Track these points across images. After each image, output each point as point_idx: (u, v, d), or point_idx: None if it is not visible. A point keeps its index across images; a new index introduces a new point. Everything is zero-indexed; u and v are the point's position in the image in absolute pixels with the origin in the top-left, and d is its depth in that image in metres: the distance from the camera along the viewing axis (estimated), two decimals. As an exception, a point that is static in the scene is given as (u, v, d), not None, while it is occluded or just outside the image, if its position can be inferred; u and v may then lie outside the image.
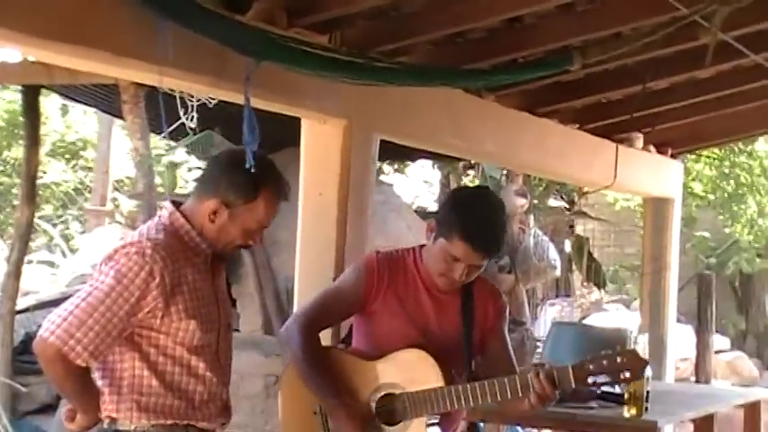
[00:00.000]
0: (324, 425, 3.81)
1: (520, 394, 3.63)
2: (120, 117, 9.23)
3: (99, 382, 3.31)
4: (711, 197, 13.84)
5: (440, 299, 3.85)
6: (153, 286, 3.18)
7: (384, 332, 3.83)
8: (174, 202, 3.44)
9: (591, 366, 3.57)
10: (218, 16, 4.01)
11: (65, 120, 17.44)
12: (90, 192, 16.62)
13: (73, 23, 3.50)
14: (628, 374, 3.57)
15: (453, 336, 3.82)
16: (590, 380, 3.59)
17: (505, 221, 3.91)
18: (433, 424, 3.78)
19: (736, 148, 12.91)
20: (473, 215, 3.71)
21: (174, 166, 11.87)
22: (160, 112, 4.38)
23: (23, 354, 8.64)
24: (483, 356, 3.90)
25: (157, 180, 10.28)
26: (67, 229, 16.15)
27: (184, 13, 3.77)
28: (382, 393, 3.76)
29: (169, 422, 3.31)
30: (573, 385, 3.59)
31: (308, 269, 4.81)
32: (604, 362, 3.56)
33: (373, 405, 3.76)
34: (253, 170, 3.31)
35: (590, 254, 12.21)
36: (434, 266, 3.77)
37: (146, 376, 3.29)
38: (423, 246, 3.86)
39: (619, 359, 3.56)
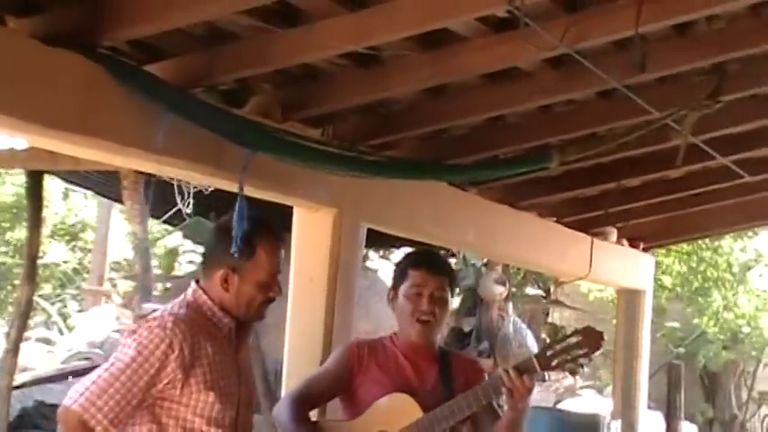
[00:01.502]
0: None
1: (493, 395, 3.67)
2: (120, 201, 9.26)
3: None
4: (680, 290, 13.86)
5: (419, 366, 3.87)
6: (172, 358, 3.17)
7: (369, 399, 3.81)
8: (197, 281, 3.42)
9: (551, 351, 3.64)
10: (217, 109, 4.05)
11: (66, 203, 17.47)
12: (88, 272, 16.58)
13: (79, 114, 3.52)
14: (586, 350, 3.61)
15: (435, 398, 3.78)
16: (553, 363, 3.63)
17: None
18: None
19: (703, 245, 12.96)
20: (417, 252, 4.26)
21: (172, 252, 11.86)
22: (158, 198, 4.38)
23: (19, 429, 8.56)
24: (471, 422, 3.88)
25: (154, 262, 10.24)
26: (65, 307, 16.07)
27: (185, 106, 3.80)
28: None
29: None
30: (539, 370, 3.62)
31: (297, 351, 4.79)
32: (563, 344, 3.63)
33: None
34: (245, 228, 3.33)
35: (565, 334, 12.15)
36: (405, 317, 3.84)
37: None
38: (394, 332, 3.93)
39: (575, 339, 3.62)
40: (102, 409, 3.11)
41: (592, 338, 3.62)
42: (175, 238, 13.52)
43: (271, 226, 3.45)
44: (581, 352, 3.62)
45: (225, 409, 3.32)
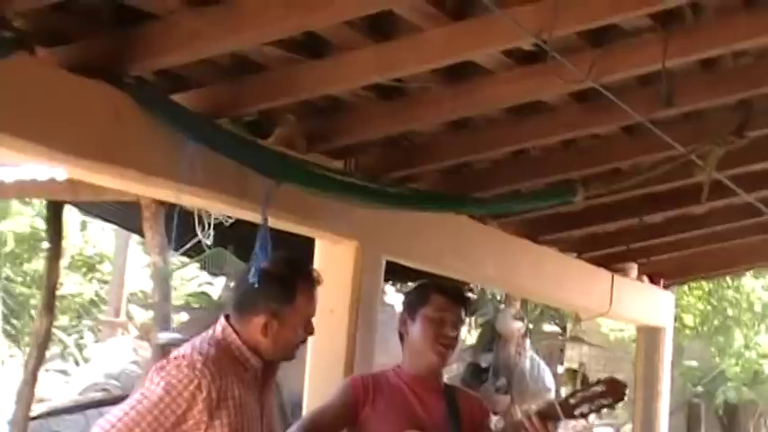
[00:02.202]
0: None
1: None
2: (138, 233, 9.27)
3: None
4: (700, 328, 13.81)
5: (425, 399, 3.84)
6: (200, 399, 3.15)
7: None
8: (226, 317, 3.39)
9: (574, 399, 3.62)
10: (242, 139, 4.05)
11: (83, 234, 17.52)
12: (105, 304, 16.60)
13: (105, 143, 3.52)
14: (609, 400, 3.59)
15: (444, 429, 3.77)
16: (576, 411, 3.61)
17: None
18: None
19: (724, 283, 12.92)
20: (434, 281, 4.12)
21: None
22: (178, 229, 4.38)
23: (36, 459, 8.56)
24: None
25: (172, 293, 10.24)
26: (82, 338, 16.09)
27: (210, 136, 3.81)
28: None
29: None
30: (562, 418, 3.61)
31: (317, 383, 4.76)
32: (586, 393, 3.61)
33: None
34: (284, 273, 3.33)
35: (584, 378, 12.12)
36: (426, 341, 3.81)
37: None
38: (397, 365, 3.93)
39: (599, 388, 3.60)
40: None
41: (615, 388, 3.61)
42: (191, 270, 13.57)
43: (309, 269, 3.44)
44: (604, 402, 3.60)
45: None
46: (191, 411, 3.15)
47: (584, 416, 3.68)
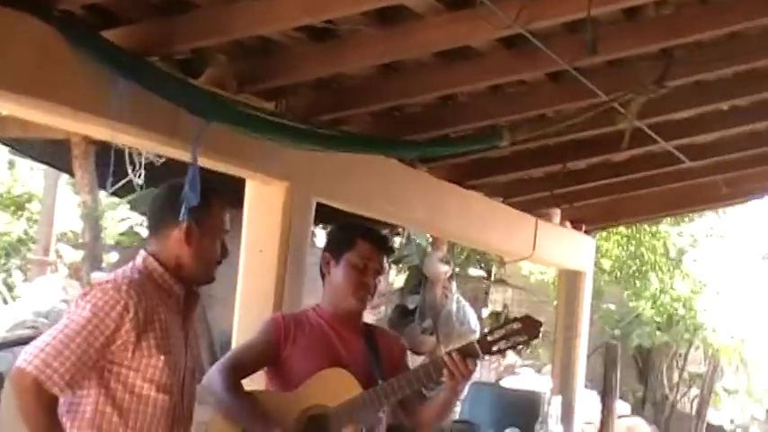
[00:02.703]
0: None
1: (435, 377, 3.69)
2: (68, 172, 9.14)
3: (62, 418, 3.23)
4: (618, 273, 13.99)
5: (345, 337, 3.89)
6: (127, 320, 3.13)
7: (299, 371, 3.81)
8: (145, 250, 3.37)
9: (492, 336, 3.69)
10: (173, 78, 4.00)
11: (12, 173, 17.21)
12: (34, 243, 16.35)
13: (32, 76, 3.45)
14: (525, 337, 3.67)
15: (363, 366, 3.81)
16: (494, 348, 3.67)
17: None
18: None
19: (642, 229, 13.09)
20: (361, 225, 4.10)
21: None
22: (108, 168, 4.33)
23: (-37, 396, 8.44)
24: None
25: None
26: (10, 277, 15.83)
27: (141, 74, 3.75)
28: (309, 415, 3.72)
29: None
30: (480, 355, 3.67)
31: (247, 322, 4.74)
32: (503, 330, 3.68)
33: (302, 425, 3.70)
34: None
35: (507, 317, 12.25)
36: (346, 285, 3.86)
37: (107, 412, 3.20)
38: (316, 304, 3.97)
39: (515, 326, 3.67)
40: (59, 370, 3.05)
41: (531, 327, 3.67)
42: (121, 211, 13.43)
43: (216, 188, 3.46)
44: (520, 339, 3.68)
45: (173, 374, 3.30)
46: (118, 332, 3.13)
47: (501, 352, 3.74)
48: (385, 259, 3.93)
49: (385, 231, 11.93)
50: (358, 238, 3.86)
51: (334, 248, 3.92)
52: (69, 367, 3.07)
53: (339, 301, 3.90)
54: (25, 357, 3.08)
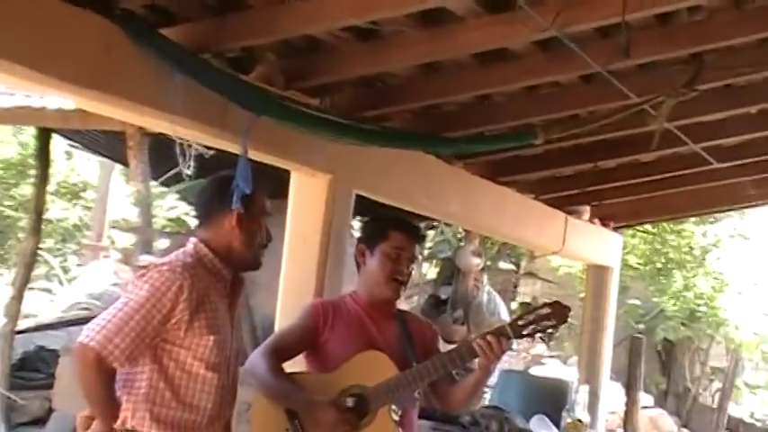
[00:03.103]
0: None
1: (467, 359, 3.70)
2: (122, 163, 9.22)
3: (118, 393, 3.28)
4: (643, 269, 13.93)
5: (380, 323, 3.90)
6: (182, 300, 3.19)
7: (337, 354, 3.82)
8: (196, 236, 3.44)
9: (523, 320, 3.69)
10: (226, 74, 4.03)
11: (69, 163, 17.38)
12: (88, 229, 16.54)
13: (96, 72, 3.50)
14: (554, 321, 3.66)
15: (398, 350, 3.82)
16: (524, 332, 3.68)
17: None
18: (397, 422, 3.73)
19: (668, 227, 13.03)
20: (393, 216, 4.11)
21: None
22: (159, 159, 4.37)
23: (20, 370, 8.56)
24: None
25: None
26: (65, 261, 16.01)
27: (196, 69, 3.79)
28: (347, 394, 3.73)
29: None
30: (511, 337, 3.67)
31: (289, 307, 4.77)
32: (533, 315, 3.68)
33: (341, 404, 3.71)
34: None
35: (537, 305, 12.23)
36: (382, 275, 3.87)
37: (161, 388, 3.25)
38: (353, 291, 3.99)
39: (544, 311, 3.67)
40: (119, 345, 3.12)
41: (560, 312, 3.67)
42: (169, 200, 13.53)
43: (257, 176, 3.53)
44: (549, 323, 3.67)
45: (221, 354, 3.35)
46: (174, 311, 3.19)
47: (531, 335, 3.73)
48: (417, 248, 3.94)
49: (421, 224, 11.99)
50: (391, 230, 3.88)
51: (369, 240, 3.93)
52: (129, 343, 3.13)
53: (374, 289, 3.91)
54: (88, 333, 3.13)
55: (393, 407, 3.73)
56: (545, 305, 3.72)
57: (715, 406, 13.51)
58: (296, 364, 4.02)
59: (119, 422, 3.26)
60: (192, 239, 3.43)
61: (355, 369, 3.77)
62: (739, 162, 6.54)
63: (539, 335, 3.79)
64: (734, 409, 14.40)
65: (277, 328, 4.82)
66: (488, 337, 3.63)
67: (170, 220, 13.39)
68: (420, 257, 4.07)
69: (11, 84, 3.69)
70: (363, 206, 5.60)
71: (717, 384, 14.31)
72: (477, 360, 3.71)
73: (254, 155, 3.99)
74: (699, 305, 13.51)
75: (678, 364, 15.04)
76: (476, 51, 4.52)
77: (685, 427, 13.89)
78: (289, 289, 4.89)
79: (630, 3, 3.83)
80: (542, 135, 4.87)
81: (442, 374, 3.74)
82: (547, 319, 3.66)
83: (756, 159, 6.62)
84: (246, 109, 3.96)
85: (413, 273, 3.97)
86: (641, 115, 4.95)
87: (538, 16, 3.83)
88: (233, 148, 4.06)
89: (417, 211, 6.29)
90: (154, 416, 3.24)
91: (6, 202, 16.64)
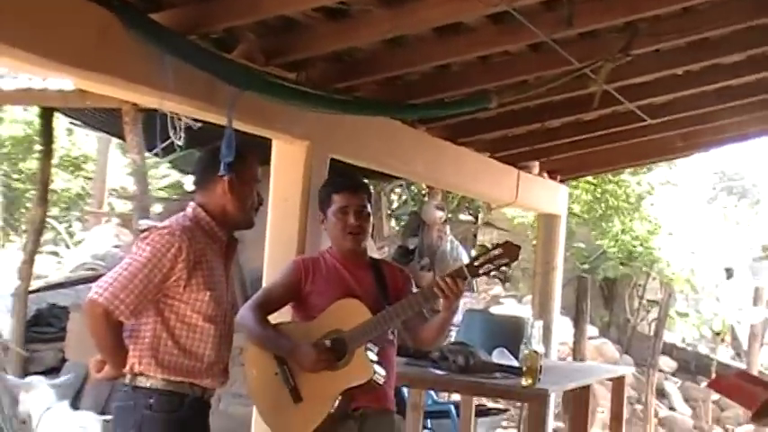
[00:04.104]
0: (286, 379, 3.78)
1: (430, 302, 3.72)
2: (119, 137, 9.12)
3: (126, 341, 3.28)
4: (586, 216, 14.00)
5: (356, 273, 3.92)
6: (180, 260, 3.21)
7: (319, 303, 3.84)
8: (195, 201, 3.45)
9: (478, 261, 3.67)
10: (211, 53, 3.98)
11: (70, 139, 17.19)
12: (90, 197, 16.41)
13: (93, 54, 3.45)
14: (507, 260, 3.64)
15: (372, 295, 3.85)
16: (480, 271, 3.67)
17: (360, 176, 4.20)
18: (375, 362, 3.75)
19: (607, 178, 13.07)
20: (335, 177, 4.20)
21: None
22: (153, 132, 4.34)
23: (35, 325, 8.54)
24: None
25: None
26: (71, 227, 15.91)
27: (184, 50, 3.74)
28: (328, 338, 3.76)
29: (179, 379, 3.29)
30: (468, 277, 3.67)
31: (275, 261, 4.76)
32: (488, 255, 3.66)
33: (322, 347, 3.74)
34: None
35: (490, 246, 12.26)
36: (338, 232, 3.90)
37: (164, 337, 3.27)
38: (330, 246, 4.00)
39: (497, 251, 3.65)
40: (125, 301, 3.14)
41: (511, 251, 3.66)
42: (162, 169, 13.43)
43: (249, 146, 3.56)
44: (502, 261, 3.65)
45: (217, 307, 3.35)
46: (173, 270, 3.20)
47: (487, 273, 3.74)
48: (363, 196, 3.92)
49: (390, 183, 11.99)
50: (333, 194, 3.91)
51: (321, 207, 3.98)
52: (133, 299, 3.14)
53: (339, 245, 3.94)
54: (96, 290, 3.15)
55: (369, 346, 3.75)
56: (497, 246, 3.69)
57: (651, 334, 13.64)
58: (283, 316, 4.04)
59: (127, 367, 3.28)
60: (192, 204, 3.43)
61: (333, 315, 3.79)
62: (669, 118, 6.55)
63: (493, 273, 3.79)
64: (668, 336, 14.57)
65: (264, 281, 4.82)
66: (447, 279, 3.64)
67: (164, 187, 13.30)
68: (369, 202, 3.97)
69: (16, 67, 3.64)
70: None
71: (653, 315, 14.45)
72: (441, 301, 3.72)
73: (238, 125, 3.97)
74: (636, 246, 13.60)
75: (619, 298, 15.18)
76: (435, 26, 4.48)
77: (626, 353, 14.06)
78: (274, 245, 4.87)
79: (572, -23, 3.81)
80: (496, 99, 4.88)
81: (411, 315, 3.75)
82: (500, 258, 3.64)
83: (683, 115, 6.64)
84: (231, 84, 3.93)
85: (369, 217, 3.95)
86: (583, 79, 4.95)
87: (490, -8, 3.80)
88: (219, 120, 4.02)
89: (386, 170, 6.29)
90: (158, 362, 3.26)
91: (15, 176, 16.46)
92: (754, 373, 12.36)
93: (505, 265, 3.69)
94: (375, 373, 3.72)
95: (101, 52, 3.46)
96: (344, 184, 3.95)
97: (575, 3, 4.14)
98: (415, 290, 4.03)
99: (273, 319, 3.93)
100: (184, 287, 3.24)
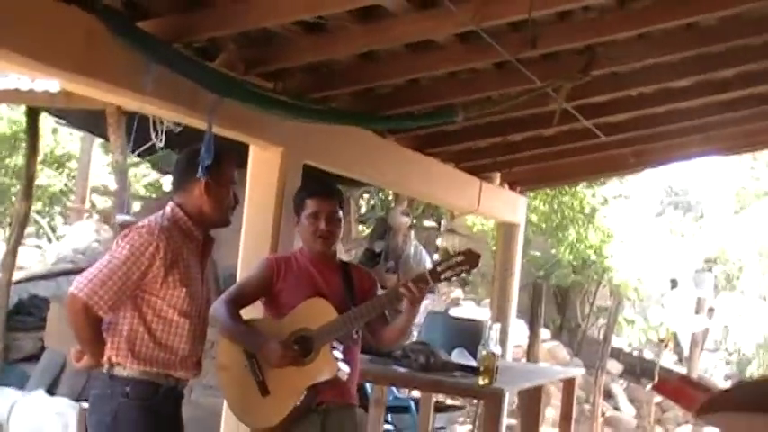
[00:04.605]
0: (255, 372, 3.77)
1: (393, 304, 3.72)
2: (103, 137, 9.05)
3: (104, 334, 3.26)
4: (543, 226, 14.05)
5: (325, 274, 3.91)
6: (158, 258, 3.19)
7: (289, 301, 3.83)
8: (173, 201, 3.42)
9: (440, 267, 3.67)
10: (194, 61, 3.96)
11: (55, 137, 17.01)
12: (72, 193, 16.23)
13: (80, 58, 3.42)
14: (467, 267, 3.65)
15: (339, 296, 3.83)
16: (442, 276, 3.67)
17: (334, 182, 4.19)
18: (339, 360, 3.74)
19: (563, 190, 13.14)
20: (309, 183, 4.19)
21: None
22: (135, 134, 4.30)
23: (16, 314, 8.46)
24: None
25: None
26: (53, 221, 15.74)
27: (168, 58, 3.72)
28: (296, 336, 3.75)
29: (154, 370, 3.28)
30: (431, 282, 3.65)
31: (249, 259, 4.73)
32: (450, 261, 3.66)
33: (290, 344, 3.73)
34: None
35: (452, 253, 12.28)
36: (309, 235, 3.88)
37: (140, 331, 3.25)
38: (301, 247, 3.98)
39: (459, 258, 3.65)
40: (103, 297, 3.13)
41: (471, 258, 3.67)
42: (141, 169, 13.31)
43: (226, 150, 3.53)
44: (463, 268, 3.67)
45: (192, 302, 3.33)
46: (150, 268, 3.19)
47: (448, 279, 3.75)
48: (334, 203, 3.90)
49: (360, 189, 11.99)
50: (306, 199, 3.90)
51: (295, 210, 3.96)
52: (112, 295, 3.13)
53: (310, 247, 3.92)
54: (77, 285, 3.13)
55: (335, 344, 3.75)
56: (459, 253, 3.70)
57: (600, 338, 13.73)
58: (255, 311, 4.02)
59: (105, 358, 3.26)
60: (170, 204, 3.41)
61: (302, 314, 3.78)
62: (622, 136, 6.61)
63: (454, 278, 3.80)
64: (615, 341, 14.68)
65: (238, 278, 4.80)
66: (410, 284, 3.64)
67: (144, 186, 13.20)
68: (340, 208, 3.96)
69: (5, 68, 3.59)
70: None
71: (602, 321, 14.55)
72: (404, 303, 3.72)
73: (217, 130, 3.95)
74: (589, 255, 13.67)
75: (571, 304, 15.25)
76: (406, 42, 4.49)
77: (576, 356, 14.12)
78: (248, 245, 4.85)
79: (536, 2, 3.83)
80: (462, 113, 4.89)
81: (374, 316, 3.75)
82: (461, 265, 3.65)
83: (635, 134, 6.71)
84: (212, 92, 3.91)
85: (340, 222, 3.94)
86: (544, 97, 4.98)
87: (459, 13, 3.82)
88: (200, 125, 3.99)
89: (356, 177, 6.28)
90: (135, 353, 3.25)
91: (1, 171, 16.26)
92: (695, 377, 12.48)
93: (466, 271, 3.70)
94: (339, 369, 3.72)
95: (87, 57, 3.42)
96: (317, 190, 3.94)
97: (538, 26, 4.16)
98: (380, 292, 4.03)
99: (246, 313, 3.92)
100: (161, 284, 3.23)
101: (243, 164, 4.83)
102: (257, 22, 4.03)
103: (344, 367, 3.74)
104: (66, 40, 3.34)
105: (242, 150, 4.85)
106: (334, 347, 3.74)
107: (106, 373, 3.27)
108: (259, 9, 3.87)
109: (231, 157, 3.50)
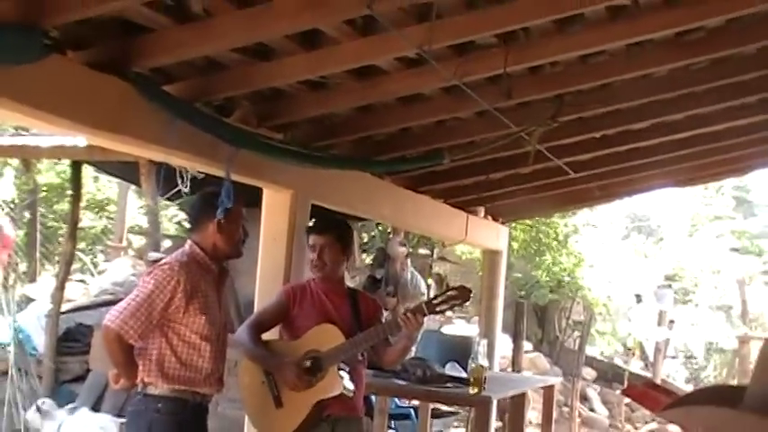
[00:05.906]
0: (271, 388, 3.77)
1: (394, 331, 3.72)
2: (136, 184, 9.04)
3: (137, 358, 3.24)
4: (523, 252, 14.05)
5: (335, 301, 3.90)
6: (179, 291, 3.18)
7: (302, 326, 3.84)
8: (191, 239, 3.44)
9: (436, 300, 3.71)
10: (213, 118, 3.97)
11: (96, 185, 17.06)
12: (111, 234, 16.22)
13: (115, 119, 3.43)
14: (459, 300, 3.68)
15: (347, 322, 3.83)
16: (437, 309, 3.69)
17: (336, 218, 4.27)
18: (346, 379, 3.74)
19: (540, 221, 13.15)
20: (313, 221, 4.30)
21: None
22: (165, 180, 4.30)
23: (65, 341, 8.43)
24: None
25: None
26: (95, 258, 15.72)
27: (190, 115, 3.73)
28: (308, 357, 3.74)
29: (183, 388, 3.27)
30: (426, 313, 3.66)
31: (265, 287, 4.72)
32: (444, 296, 3.70)
33: (303, 362, 3.73)
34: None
35: (447, 285, 12.25)
36: (308, 264, 3.99)
37: (168, 354, 3.24)
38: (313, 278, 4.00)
39: (453, 293, 3.70)
40: (133, 326, 3.13)
41: (464, 294, 3.72)
42: (171, 211, 13.31)
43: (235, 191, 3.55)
44: (456, 302, 3.71)
45: (212, 328, 3.32)
46: (173, 299, 3.19)
47: (442, 311, 3.79)
48: (330, 237, 3.91)
49: (361, 223, 11.97)
50: (308, 234, 4.01)
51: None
52: (140, 325, 3.13)
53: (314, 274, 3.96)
54: (109, 318, 3.14)
55: (341, 365, 3.74)
56: (453, 288, 3.74)
57: (576, 348, 13.66)
58: (272, 334, 4.01)
59: (139, 379, 3.25)
60: (188, 242, 3.41)
61: (314, 337, 3.78)
62: (589, 172, 6.61)
63: (448, 311, 3.82)
64: (589, 350, 14.63)
65: (256, 306, 4.77)
66: (408, 314, 3.66)
67: (173, 225, 13.18)
68: (327, 241, 3.91)
69: (52, 129, 3.60)
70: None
71: (577, 333, 14.50)
72: (403, 329, 3.72)
73: (235, 177, 3.94)
74: (563, 276, 13.65)
75: (549, 319, 15.20)
76: (398, 96, 4.51)
77: (555, 365, 14.05)
78: (264, 276, 4.83)
79: (510, 59, 3.85)
80: (448, 156, 4.90)
81: (377, 341, 3.76)
82: (454, 299, 3.69)
83: (601, 170, 6.70)
84: (229, 144, 3.91)
85: (333, 252, 3.92)
86: (519, 140, 4.98)
87: (443, 70, 3.83)
88: (219, 172, 4.00)
89: (358, 214, 6.27)
90: (164, 374, 3.24)
91: (50, 216, 16.28)
92: (659, 382, 12.41)
93: (458, 305, 3.73)
94: (345, 388, 3.73)
95: (120, 117, 3.43)
96: (310, 227, 4.07)
97: (513, 79, 4.17)
98: (384, 315, 4.04)
99: (266, 336, 3.91)
100: (183, 313, 3.23)
101: (251, 203, 4.83)
102: (267, 82, 4.05)
103: (350, 385, 3.74)
104: (101, 103, 3.36)
105: (249, 191, 4.85)
106: (340, 368, 3.73)
107: (140, 392, 3.26)
108: (268, 71, 3.88)
109: (239, 197, 3.51)
